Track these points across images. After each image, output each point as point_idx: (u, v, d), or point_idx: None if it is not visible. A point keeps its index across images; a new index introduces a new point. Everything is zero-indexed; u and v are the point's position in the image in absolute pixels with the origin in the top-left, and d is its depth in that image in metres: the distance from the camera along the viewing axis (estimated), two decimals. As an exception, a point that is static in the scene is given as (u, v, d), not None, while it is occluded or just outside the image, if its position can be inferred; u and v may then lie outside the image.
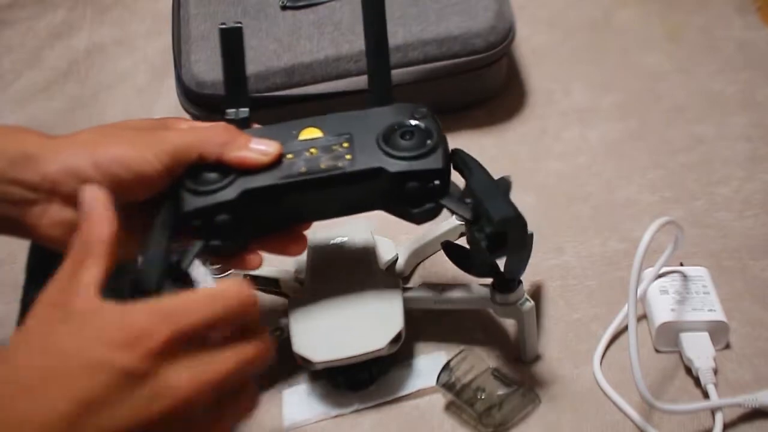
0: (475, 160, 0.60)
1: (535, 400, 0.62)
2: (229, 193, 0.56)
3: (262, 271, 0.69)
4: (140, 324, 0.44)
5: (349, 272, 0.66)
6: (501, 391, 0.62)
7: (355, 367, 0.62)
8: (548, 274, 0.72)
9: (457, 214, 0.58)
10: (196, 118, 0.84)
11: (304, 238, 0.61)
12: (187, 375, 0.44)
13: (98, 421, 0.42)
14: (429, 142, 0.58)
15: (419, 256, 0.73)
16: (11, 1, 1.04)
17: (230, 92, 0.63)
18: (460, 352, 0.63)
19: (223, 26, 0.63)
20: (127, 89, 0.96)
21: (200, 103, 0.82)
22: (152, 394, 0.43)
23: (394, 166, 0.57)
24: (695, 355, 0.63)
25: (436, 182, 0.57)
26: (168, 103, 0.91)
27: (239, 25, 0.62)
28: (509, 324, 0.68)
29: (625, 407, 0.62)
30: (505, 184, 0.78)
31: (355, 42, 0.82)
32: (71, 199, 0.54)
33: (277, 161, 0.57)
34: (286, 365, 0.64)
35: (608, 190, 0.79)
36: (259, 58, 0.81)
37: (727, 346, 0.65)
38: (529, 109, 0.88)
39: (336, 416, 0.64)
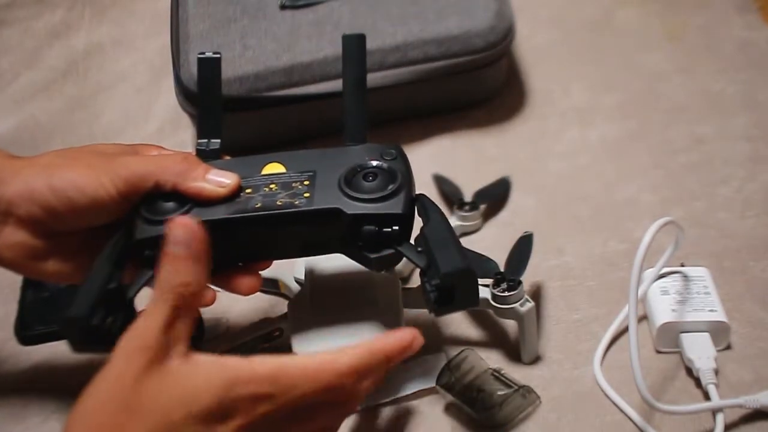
0: (437, 207, 0.58)
1: (536, 401, 0.62)
2: None
3: (262, 273, 0.68)
4: (234, 398, 0.44)
5: (348, 272, 0.65)
6: (501, 391, 0.61)
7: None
8: (548, 275, 0.71)
9: (414, 263, 0.56)
10: (194, 117, 0.84)
11: (257, 277, 0.58)
12: None
13: None
14: (392, 185, 0.56)
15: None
16: (9, 1, 1.03)
17: (203, 122, 0.63)
18: (460, 353, 0.63)
19: (201, 56, 0.62)
20: (126, 89, 0.96)
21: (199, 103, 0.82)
22: None
23: (352, 207, 0.56)
24: (696, 355, 0.62)
25: (395, 228, 0.56)
26: (167, 102, 0.91)
27: (218, 55, 0.62)
28: (509, 324, 0.67)
29: (626, 408, 0.62)
30: (505, 185, 0.79)
31: (355, 42, 0.81)
32: (25, 222, 0.55)
33: (235, 195, 0.56)
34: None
35: (608, 190, 0.78)
36: (258, 58, 0.81)
37: (728, 347, 0.65)
38: (529, 109, 0.88)
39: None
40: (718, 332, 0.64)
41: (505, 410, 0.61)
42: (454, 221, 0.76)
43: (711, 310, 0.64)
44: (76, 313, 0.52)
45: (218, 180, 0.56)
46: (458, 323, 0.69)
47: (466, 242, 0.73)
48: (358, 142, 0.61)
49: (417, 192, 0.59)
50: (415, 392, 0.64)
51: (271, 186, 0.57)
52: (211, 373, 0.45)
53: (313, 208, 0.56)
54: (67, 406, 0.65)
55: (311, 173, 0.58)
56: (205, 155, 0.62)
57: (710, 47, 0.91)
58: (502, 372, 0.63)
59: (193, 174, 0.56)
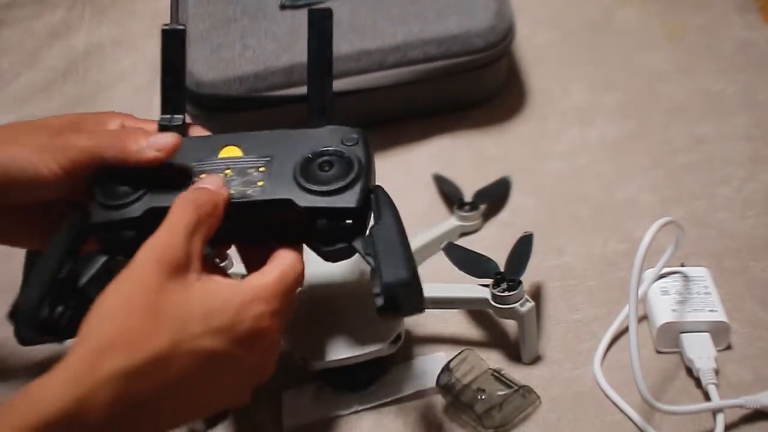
0: (391, 204, 0.56)
1: (536, 401, 0.62)
2: (135, 210, 0.55)
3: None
4: (246, 315, 0.50)
5: (345, 270, 0.65)
6: (501, 391, 0.61)
7: (355, 367, 0.62)
8: (548, 275, 0.71)
9: (366, 260, 0.54)
10: (195, 117, 0.84)
11: (224, 256, 0.62)
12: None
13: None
14: (348, 176, 0.55)
15: (419, 257, 0.73)
16: (9, 1, 1.03)
17: (166, 97, 0.62)
18: (460, 353, 0.63)
19: (166, 27, 0.62)
20: (125, 89, 0.96)
21: (199, 103, 0.82)
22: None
23: (304, 200, 0.54)
24: (696, 355, 0.62)
25: (348, 222, 0.55)
26: (167, 102, 0.91)
27: (182, 27, 0.62)
28: (509, 324, 0.67)
29: (626, 408, 0.62)
30: (505, 185, 0.79)
31: (355, 41, 0.81)
32: None
33: (188, 179, 0.56)
34: (285, 366, 0.64)
35: (608, 190, 0.78)
36: (258, 58, 0.81)
37: (729, 347, 0.65)
38: (529, 109, 0.88)
39: (336, 417, 0.64)
40: (719, 332, 0.64)
41: (505, 410, 0.61)
42: (454, 221, 0.76)
43: (711, 310, 0.64)
44: (23, 308, 0.52)
45: (158, 144, 0.56)
46: (458, 323, 0.69)
47: (466, 242, 0.73)
48: (322, 123, 0.60)
49: (376, 183, 0.58)
50: (415, 392, 0.64)
51: (227, 171, 0.56)
52: (228, 294, 0.50)
53: (264, 198, 0.55)
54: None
55: (267, 159, 0.57)
56: (168, 131, 0.61)
57: (710, 47, 0.91)
58: (502, 372, 0.63)
59: (132, 144, 0.56)
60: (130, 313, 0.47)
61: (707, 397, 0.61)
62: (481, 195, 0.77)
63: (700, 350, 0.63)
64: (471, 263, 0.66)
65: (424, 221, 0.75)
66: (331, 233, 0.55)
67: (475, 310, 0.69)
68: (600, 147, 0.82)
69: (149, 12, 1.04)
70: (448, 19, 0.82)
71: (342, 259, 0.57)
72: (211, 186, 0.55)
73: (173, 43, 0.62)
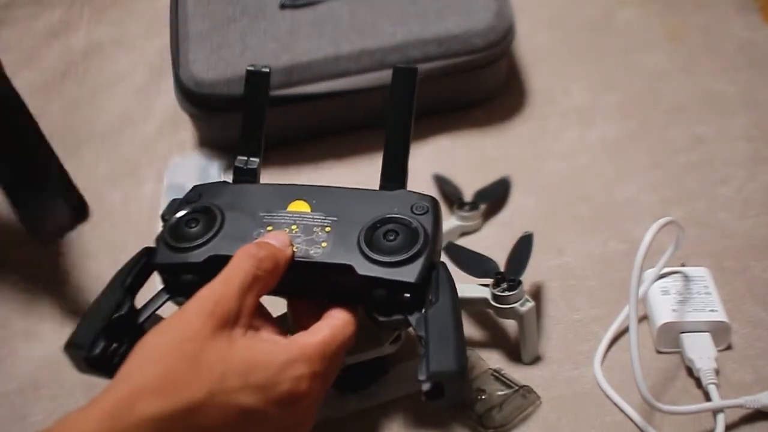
0: (451, 284, 0.55)
1: (536, 401, 0.62)
2: (199, 255, 0.55)
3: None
4: (287, 375, 0.49)
5: None
6: (501, 391, 0.61)
7: (355, 367, 0.62)
8: (548, 275, 0.71)
9: (417, 340, 0.53)
10: (194, 117, 0.84)
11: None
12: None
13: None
14: (412, 249, 0.54)
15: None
16: (9, 1, 1.03)
17: (245, 139, 0.61)
18: (460, 353, 0.63)
19: (251, 68, 0.61)
20: (125, 89, 0.96)
21: (198, 103, 0.82)
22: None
23: (365, 268, 0.54)
24: (696, 355, 0.62)
25: (407, 295, 0.53)
26: (166, 102, 0.91)
27: (267, 69, 0.61)
28: (510, 325, 0.67)
29: (626, 408, 0.62)
30: (505, 185, 0.78)
31: (355, 41, 0.81)
32: None
33: (256, 231, 0.56)
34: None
35: (609, 190, 0.78)
36: (258, 58, 0.81)
37: (729, 347, 0.65)
38: (529, 109, 0.87)
39: (336, 417, 0.63)
40: (719, 332, 0.64)
41: (505, 410, 0.61)
42: (454, 221, 0.76)
43: (711, 310, 0.64)
44: (77, 343, 0.53)
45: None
46: (458, 323, 0.69)
47: (466, 242, 0.73)
48: (395, 186, 0.59)
49: (441, 257, 0.57)
50: (415, 392, 0.64)
51: (293, 228, 0.56)
52: (271, 352, 0.50)
53: (326, 261, 0.55)
54: (68, 405, 0.65)
55: (334, 219, 0.56)
56: (242, 173, 0.61)
57: (710, 47, 0.91)
58: (502, 372, 0.63)
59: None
60: (171, 360, 0.47)
61: (707, 397, 0.61)
62: (481, 195, 0.77)
63: (701, 350, 0.63)
64: (471, 263, 0.66)
65: (424, 221, 0.75)
66: (388, 304, 0.54)
67: (475, 310, 0.69)
68: (600, 147, 0.82)
69: (149, 12, 1.04)
70: (448, 18, 0.82)
71: (395, 330, 0.57)
72: (275, 243, 0.55)
73: (256, 84, 0.61)
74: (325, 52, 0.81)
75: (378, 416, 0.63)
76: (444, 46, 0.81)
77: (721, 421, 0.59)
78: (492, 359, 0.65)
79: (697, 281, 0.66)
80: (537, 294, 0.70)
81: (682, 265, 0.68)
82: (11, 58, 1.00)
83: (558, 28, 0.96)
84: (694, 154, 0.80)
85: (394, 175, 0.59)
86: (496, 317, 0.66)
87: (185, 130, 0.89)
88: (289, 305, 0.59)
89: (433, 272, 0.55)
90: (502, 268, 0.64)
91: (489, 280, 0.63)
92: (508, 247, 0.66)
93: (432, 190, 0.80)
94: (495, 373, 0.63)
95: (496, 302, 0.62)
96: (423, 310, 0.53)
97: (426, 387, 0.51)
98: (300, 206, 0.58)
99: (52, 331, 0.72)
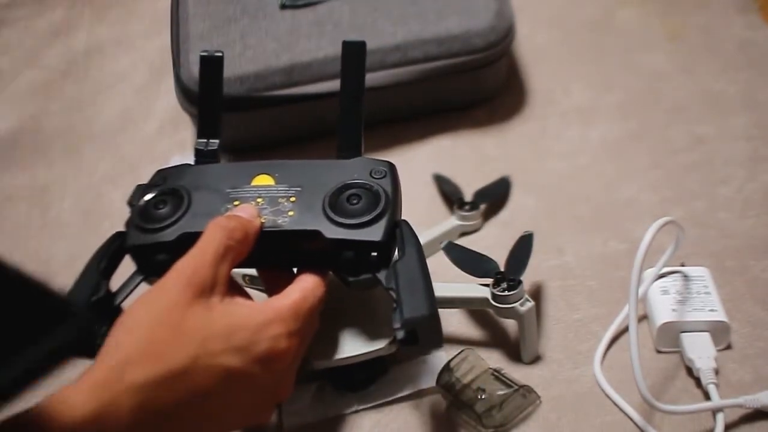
0: (415, 239, 0.57)
1: (536, 401, 0.62)
2: (170, 234, 0.57)
3: (257, 270, 0.68)
4: (264, 336, 0.52)
5: None
6: (501, 391, 0.61)
7: (355, 367, 0.62)
8: (548, 275, 0.71)
9: (388, 293, 0.55)
10: (194, 117, 0.84)
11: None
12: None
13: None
14: (375, 209, 0.56)
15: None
16: (10, 1, 1.03)
17: (203, 122, 0.63)
18: (460, 353, 0.63)
19: (204, 54, 0.63)
20: (125, 89, 0.96)
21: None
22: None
23: (332, 232, 0.56)
24: (696, 355, 0.62)
25: (374, 254, 0.56)
26: (167, 102, 0.91)
27: (220, 54, 0.63)
28: (510, 324, 0.67)
29: (626, 408, 0.62)
30: (505, 184, 0.78)
31: (355, 41, 0.81)
32: None
33: (222, 205, 0.58)
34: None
35: (609, 190, 0.78)
36: (258, 58, 0.81)
37: (729, 347, 0.65)
38: (529, 109, 0.88)
39: (336, 417, 0.63)
40: (719, 332, 0.64)
41: (505, 410, 0.61)
42: (454, 221, 0.76)
43: (711, 310, 0.64)
44: (73, 324, 0.52)
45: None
46: (458, 323, 0.69)
47: (466, 242, 0.73)
48: (352, 155, 0.61)
49: (402, 216, 0.59)
50: (415, 392, 0.64)
51: (258, 200, 0.58)
52: (248, 315, 0.52)
53: (293, 228, 0.56)
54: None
55: (298, 189, 0.58)
56: (203, 155, 0.63)
57: (710, 47, 0.91)
58: (502, 372, 0.63)
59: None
60: (155, 329, 0.49)
61: (707, 396, 0.61)
62: (481, 195, 0.77)
63: (700, 350, 0.63)
64: (471, 263, 0.66)
65: (424, 221, 0.75)
66: (356, 265, 0.56)
67: (475, 309, 0.69)
68: (600, 147, 0.82)
69: (149, 12, 1.04)
70: (448, 18, 0.82)
71: (366, 289, 0.58)
72: (244, 214, 0.57)
73: (210, 68, 0.63)
74: (325, 52, 0.81)
75: (378, 416, 0.63)
76: (444, 46, 0.81)
77: (720, 420, 0.59)
78: (492, 359, 0.65)
79: (697, 281, 0.66)
80: (537, 294, 0.70)
81: (682, 265, 0.68)
82: (12, 57, 1.00)
83: (558, 28, 0.96)
84: (694, 154, 0.80)
85: (351, 144, 0.62)
86: (496, 317, 0.66)
87: (185, 130, 0.89)
88: (261, 276, 0.61)
89: (397, 230, 0.57)
90: (502, 268, 0.64)
91: (489, 280, 0.63)
92: (508, 247, 0.66)
93: (432, 190, 0.80)
94: (495, 373, 0.63)
95: (496, 302, 0.62)
96: (389, 267, 0.56)
97: (401, 335, 0.53)
98: (264, 180, 0.59)
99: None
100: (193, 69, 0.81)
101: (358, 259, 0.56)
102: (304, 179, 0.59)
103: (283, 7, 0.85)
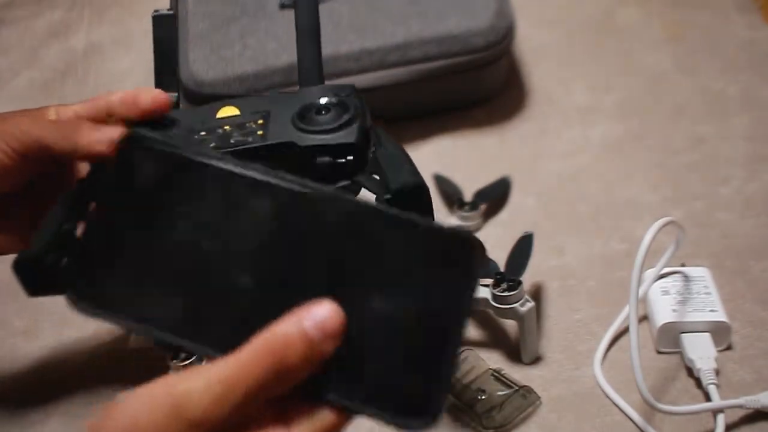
0: (389, 137, 0.58)
1: (536, 401, 0.62)
2: None
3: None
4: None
5: None
6: (501, 392, 0.61)
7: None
8: (548, 275, 0.71)
9: (372, 191, 0.56)
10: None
11: None
12: None
13: None
14: (345, 116, 0.57)
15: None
16: (8, 0, 1.03)
17: (159, 79, 0.63)
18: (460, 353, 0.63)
19: (156, 13, 0.63)
20: (125, 89, 0.95)
21: (198, 102, 0.82)
22: None
23: (304, 140, 0.56)
24: (697, 356, 0.62)
25: (349, 158, 0.56)
26: (166, 102, 0.91)
27: (171, 11, 0.63)
28: (510, 324, 0.67)
29: (626, 408, 0.61)
30: (505, 185, 0.78)
31: (355, 41, 0.81)
32: None
33: (190, 137, 0.57)
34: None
35: (609, 190, 0.78)
36: (258, 57, 0.81)
37: (729, 347, 0.65)
38: (529, 109, 0.87)
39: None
40: (719, 332, 0.64)
41: (505, 411, 0.61)
42: (454, 221, 0.76)
43: (712, 311, 0.64)
44: (28, 254, 0.50)
45: (104, 138, 0.54)
46: (458, 323, 0.69)
47: (466, 242, 0.73)
48: (314, 83, 0.61)
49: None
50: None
51: (225, 128, 0.57)
52: (152, 403, 0.39)
53: (266, 143, 0.56)
54: (68, 405, 0.65)
55: (265, 113, 0.58)
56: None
57: (711, 47, 0.91)
58: (503, 372, 0.63)
59: (83, 138, 0.54)
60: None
61: (708, 397, 0.61)
62: (481, 195, 0.77)
63: (701, 350, 0.63)
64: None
65: (424, 221, 0.75)
66: (333, 171, 0.56)
67: (475, 310, 0.69)
68: (600, 147, 0.82)
69: (149, 12, 1.03)
70: (448, 18, 0.82)
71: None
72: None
73: (163, 27, 0.63)
74: (325, 52, 0.81)
75: (378, 416, 0.63)
76: (444, 46, 0.81)
77: (721, 421, 0.59)
78: (492, 359, 0.65)
79: (697, 281, 0.66)
80: (537, 294, 0.70)
81: (682, 265, 0.68)
82: (12, 57, 1.00)
83: (558, 28, 0.95)
84: (695, 154, 0.80)
85: (313, 75, 0.62)
86: (496, 317, 0.66)
87: (185, 129, 0.89)
88: None
89: (371, 132, 0.58)
90: (502, 268, 0.64)
91: (489, 280, 0.63)
92: (508, 247, 0.66)
93: (432, 190, 0.79)
94: (495, 373, 0.63)
95: (496, 302, 0.62)
96: (370, 157, 0.56)
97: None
98: (229, 111, 0.59)
99: (51, 330, 0.72)
100: (192, 69, 0.81)
101: (333, 164, 0.56)
102: (270, 106, 0.59)
103: (283, 7, 0.85)
